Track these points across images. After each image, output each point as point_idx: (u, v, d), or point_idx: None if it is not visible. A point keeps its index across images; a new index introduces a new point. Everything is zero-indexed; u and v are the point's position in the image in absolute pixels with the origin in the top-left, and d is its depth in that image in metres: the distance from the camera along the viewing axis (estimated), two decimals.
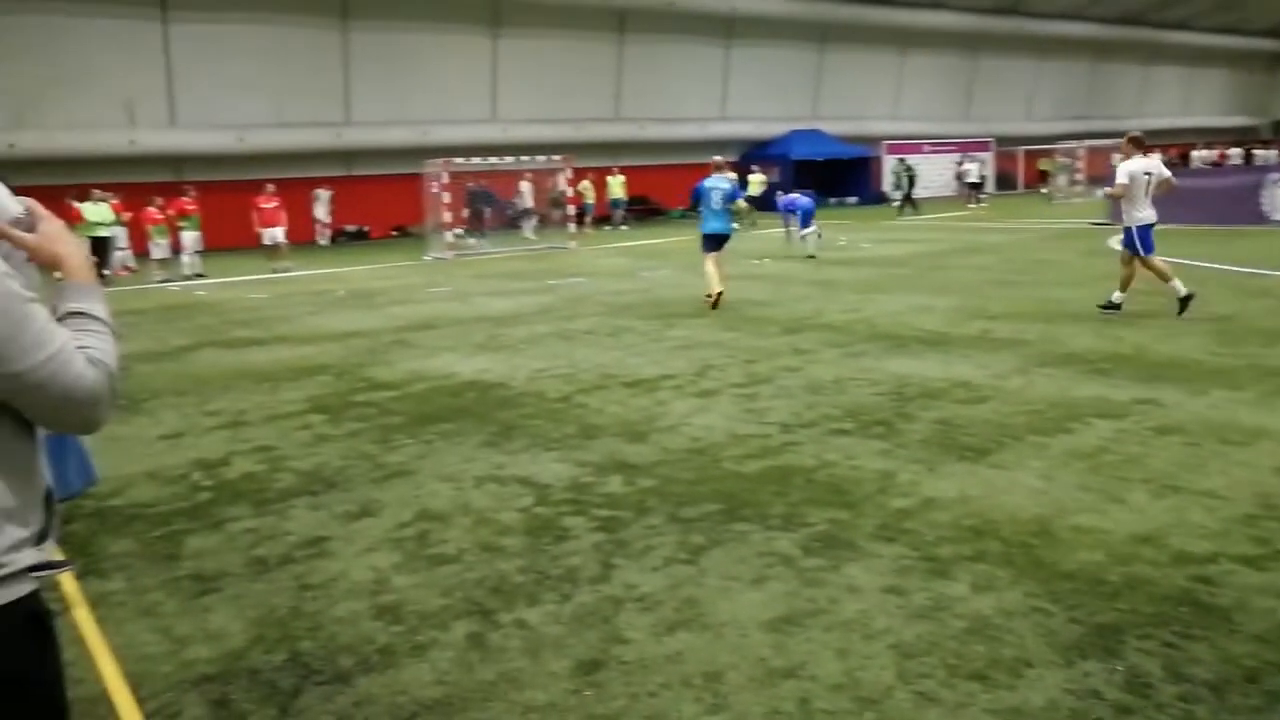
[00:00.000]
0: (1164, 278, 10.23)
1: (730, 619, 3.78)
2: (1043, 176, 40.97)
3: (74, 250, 1.79)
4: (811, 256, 18.30)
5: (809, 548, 4.45)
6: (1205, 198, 22.14)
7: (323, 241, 27.43)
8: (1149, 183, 10.32)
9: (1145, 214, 10.29)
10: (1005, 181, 42.59)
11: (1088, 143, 37.48)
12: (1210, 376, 7.50)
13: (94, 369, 1.67)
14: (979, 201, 33.17)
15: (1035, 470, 5.43)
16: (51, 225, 1.78)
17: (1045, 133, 43.13)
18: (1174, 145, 44.64)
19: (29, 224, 1.77)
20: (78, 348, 1.66)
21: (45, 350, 1.60)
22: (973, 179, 33.93)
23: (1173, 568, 4.06)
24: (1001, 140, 42.21)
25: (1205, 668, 3.27)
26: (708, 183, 13.00)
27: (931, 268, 15.80)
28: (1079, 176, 35.85)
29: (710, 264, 12.49)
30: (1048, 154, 38.96)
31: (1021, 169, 43.03)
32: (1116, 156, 12.55)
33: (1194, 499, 4.88)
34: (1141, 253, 10.27)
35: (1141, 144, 10.56)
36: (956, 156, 38.61)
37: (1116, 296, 10.42)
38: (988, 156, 40.17)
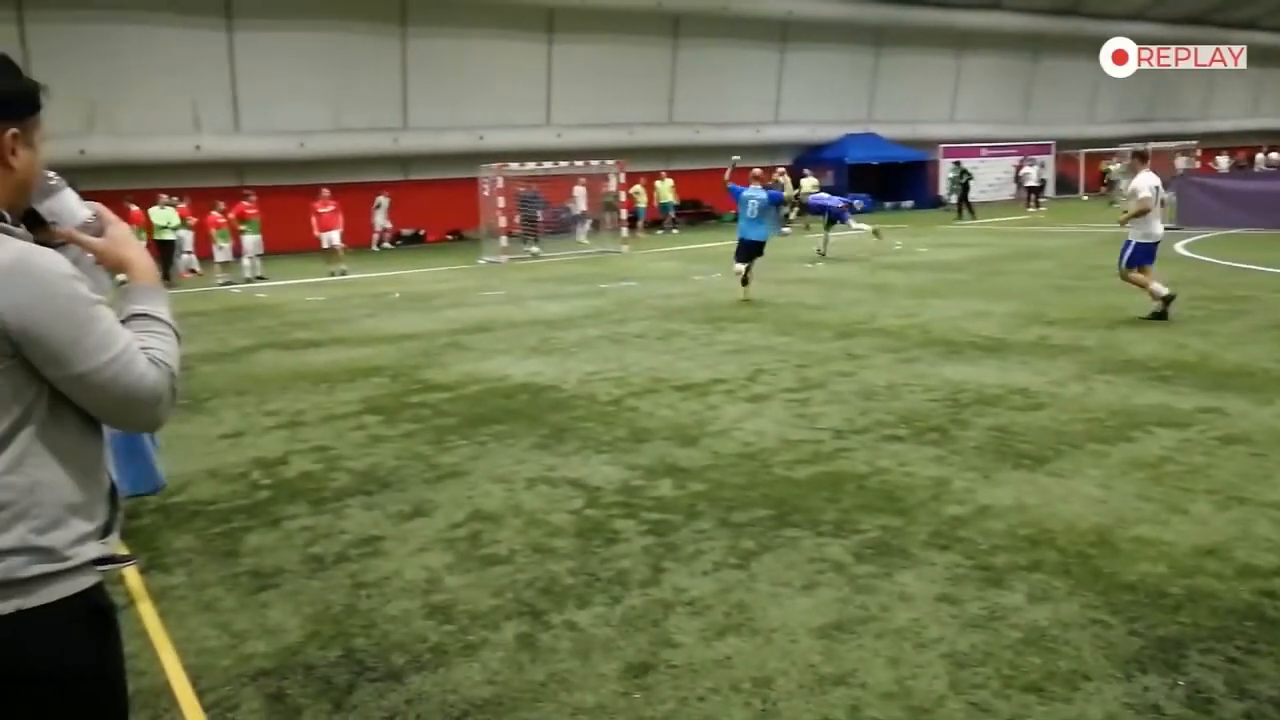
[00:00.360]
0: (1144, 286, 10.51)
1: (780, 624, 3.76)
2: (1104, 180, 40.14)
3: (140, 254, 1.85)
4: (822, 254, 19.23)
5: (861, 554, 4.41)
6: (1273, 201, 21.54)
7: (378, 247, 27.84)
8: (1159, 197, 10.59)
9: (1155, 229, 10.52)
10: (1065, 185, 41.77)
11: (1151, 145, 36.62)
12: (1278, 385, 7.29)
13: (156, 370, 1.72)
14: (1038, 205, 32.58)
15: (1094, 479, 5.32)
16: (119, 229, 1.84)
17: (1108, 135, 42.23)
18: (1241, 148, 43.48)
19: (97, 228, 1.83)
20: (141, 349, 1.71)
21: (109, 352, 1.66)
22: (1032, 182, 33.33)
23: (1238, 581, 3.96)
24: (1062, 143, 41.41)
25: (1270, 684, 3.18)
26: (745, 192, 13.77)
27: (988, 273, 15.57)
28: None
29: (739, 267, 13.52)
30: (1110, 157, 38.21)
31: (1083, 172, 42.19)
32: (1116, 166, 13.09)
33: (1260, 510, 4.75)
34: (1124, 265, 10.62)
35: (1147, 159, 10.96)
36: (1014, 159, 38.02)
37: (1157, 300, 10.39)
38: (1048, 159, 39.44)
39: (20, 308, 1.59)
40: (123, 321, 1.75)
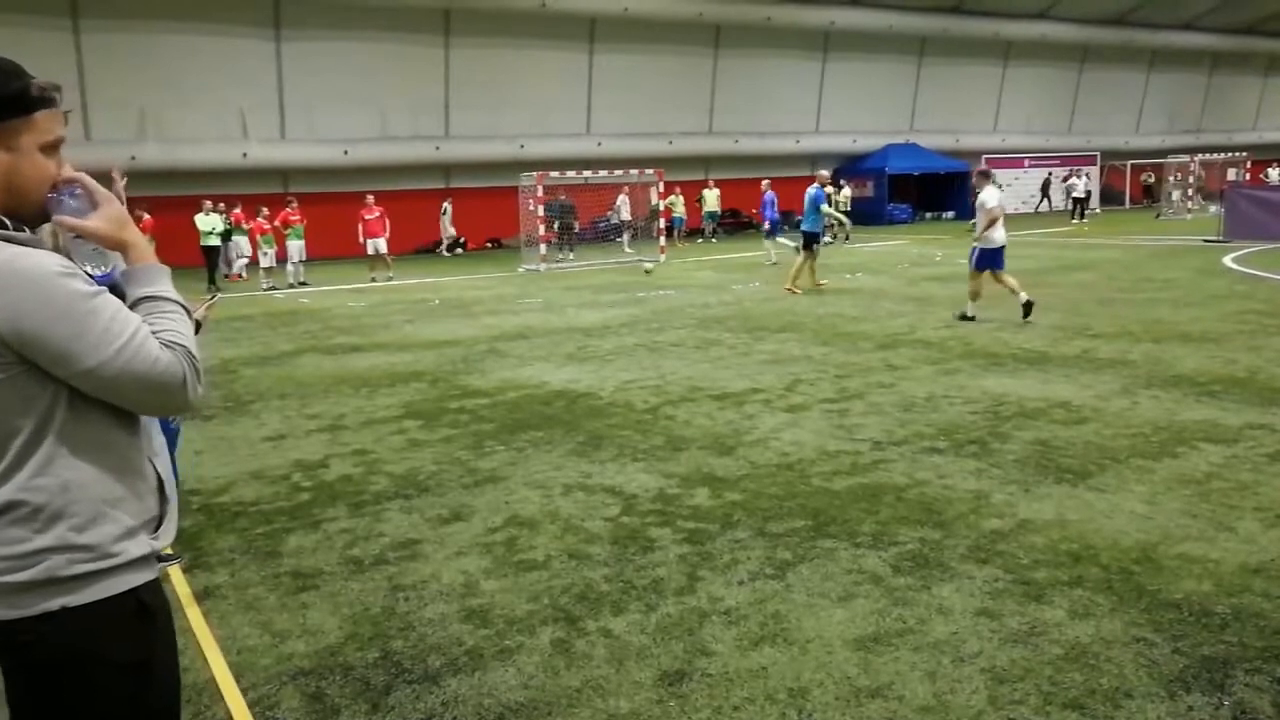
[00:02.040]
0: (975, 296, 11.79)
1: (816, 635, 3.74)
2: (1146, 191, 39.64)
3: (138, 235, 1.80)
4: (775, 264, 20.46)
5: (899, 566, 4.37)
6: None
7: (448, 253, 28.10)
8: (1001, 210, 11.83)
9: (1001, 236, 11.70)
10: (1110, 197, 41.24)
11: (1200, 157, 36.15)
12: None
13: (169, 352, 1.69)
14: (1082, 217, 32.18)
15: (1138, 495, 5.24)
16: (112, 208, 1.78)
17: (1155, 146, 41.64)
18: None
19: (88, 202, 1.76)
20: (151, 333, 1.68)
21: (116, 342, 1.63)
22: (1078, 194, 32.94)
23: None
24: (1107, 154, 40.85)
25: None
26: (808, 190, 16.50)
27: (1031, 285, 15.30)
28: (1191, 191, 34.56)
29: (798, 259, 15.84)
30: (1157, 168, 37.71)
31: (1128, 184, 41.65)
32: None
33: None
34: (975, 267, 11.83)
35: (989, 176, 12.24)
36: (1050, 171, 37.92)
37: (969, 309, 11.73)
38: (1093, 171, 39.00)
39: (12, 313, 1.57)
40: (130, 306, 1.72)
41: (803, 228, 16.00)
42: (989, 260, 11.71)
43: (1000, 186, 30.87)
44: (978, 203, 11.94)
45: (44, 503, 1.65)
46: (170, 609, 1.87)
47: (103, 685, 1.70)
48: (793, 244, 21.14)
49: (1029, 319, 11.25)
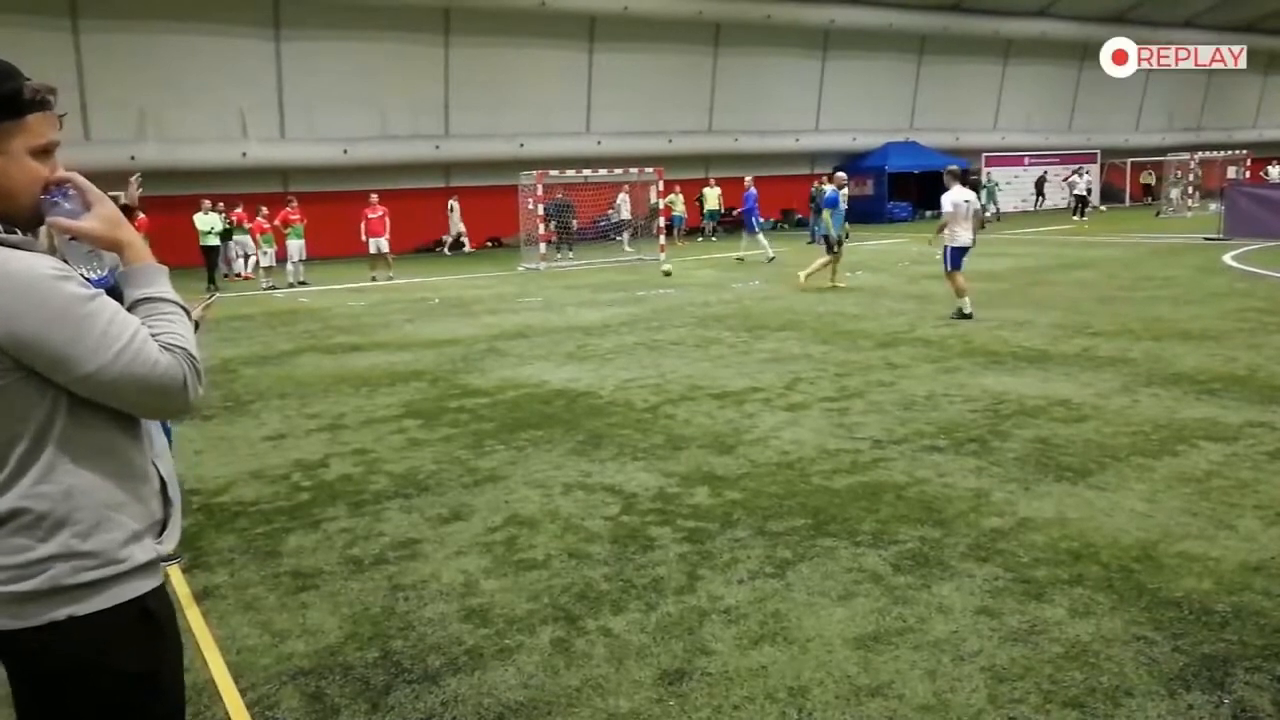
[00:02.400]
0: (960, 293, 11.79)
1: (816, 634, 3.74)
2: (1146, 190, 39.61)
3: (134, 234, 1.77)
4: (772, 259, 20.87)
5: (899, 565, 4.37)
6: None
7: (450, 252, 28.06)
8: (968, 210, 11.90)
9: (964, 236, 11.88)
10: (1111, 195, 41.22)
11: (1200, 155, 36.14)
12: None
13: (169, 355, 1.66)
14: (1083, 215, 32.16)
15: (1139, 493, 5.23)
16: (106, 208, 1.75)
17: (1155, 144, 41.60)
18: None
19: (81, 203, 1.73)
20: (150, 335, 1.66)
21: (114, 346, 1.60)
22: (1080, 191, 32.93)
23: None
24: (1107, 152, 40.82)
25: None
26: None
27: (1031, 283, 15.37)
28: (1191, 189, 34.54)
29: (820, 260, 15.88)
30: (1157, 166, 37.74)
31: (1128, 182, 41.64)
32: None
33: None
34: (949, 269, 11.95)
35: (957, 176, 12.29)
36: (1046, 169, 38.03)
37: (966, 307, 11.70)
38: (1093, 169, 38.99)
39: (6, 317, 1.55)
40: (128, 308, 1.70)
41: (821, 232, 16.40)
42: (956, 259, 11.86)
43: (993, 187, 31.30)
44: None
45: (47, 510, 1.63)
46: (175, 616, 1.86)
47: (109, 695, 1.69)
48: (766, 249, 21.46)
49: (960, 320, 11.48)
